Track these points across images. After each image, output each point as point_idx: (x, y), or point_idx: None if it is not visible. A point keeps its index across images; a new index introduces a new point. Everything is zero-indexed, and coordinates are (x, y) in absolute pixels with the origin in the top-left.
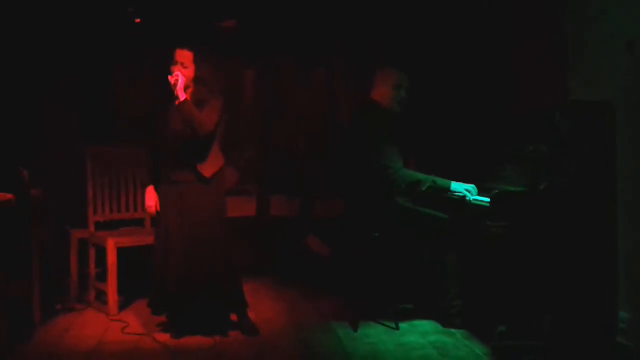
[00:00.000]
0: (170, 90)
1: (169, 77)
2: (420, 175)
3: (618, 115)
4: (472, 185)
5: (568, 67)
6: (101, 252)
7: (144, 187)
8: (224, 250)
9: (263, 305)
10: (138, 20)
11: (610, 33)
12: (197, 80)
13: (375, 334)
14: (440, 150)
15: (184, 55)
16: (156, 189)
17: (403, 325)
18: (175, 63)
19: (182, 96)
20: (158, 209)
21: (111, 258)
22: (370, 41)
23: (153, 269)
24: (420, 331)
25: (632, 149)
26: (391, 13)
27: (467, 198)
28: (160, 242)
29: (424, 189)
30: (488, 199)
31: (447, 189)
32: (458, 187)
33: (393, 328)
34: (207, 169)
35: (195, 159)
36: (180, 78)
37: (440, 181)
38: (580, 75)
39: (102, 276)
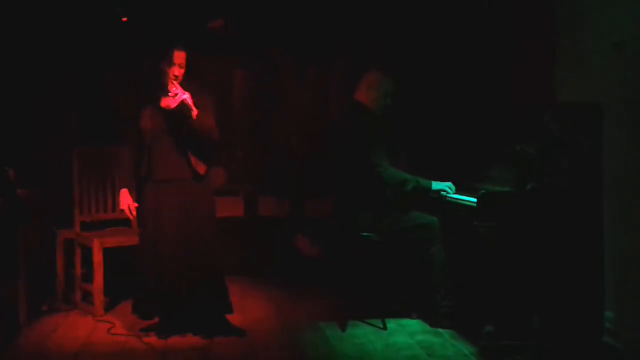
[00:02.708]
0: (153, 89)
1: (175, 94)
2: (406, 175)
3: (610, 115)
4: (450, 183)
5: (558, 66)
6: (87, 253)
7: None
8: (216, 248)
9: (251, 306)
10: (125, 19)
11: (601, 33)
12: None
13: (363, 334)
14: (430, 150)
15: (182, 56)
16: (138, 190)
17: (391, 325)
18: (173, 64)
19: (195, 111)
20: (133, 211)
21: (97, 258)
22: (369, 41)
23: (141, 272)
24: (408, 331)
25: (623, 149)
26: (391, 13)
27: (446, 195)
28: (149, 242)
29: (409, 188)
30: (475, 199)
31: (429, 189)
32: (438, 186)
33: (381, 328)
34: (203, 166)
35: (192, 157)
36: (187, 95)
37: (423, 181)
38: (571, 75)
39: (88, 277)
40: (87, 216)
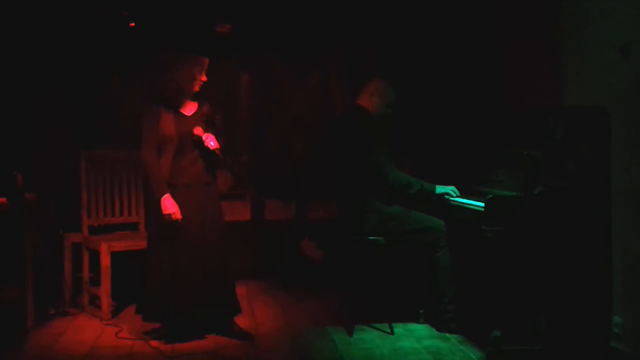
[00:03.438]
0: (171, 94)
1: (209, 141)
2: (411, 179)
3: (618, 117)
4: (453, 187)
5: (563, 69)
6: (95, 257)
7: (138, 191)
8: (227, 251)
9: (258, 310)
10: (133, 24)
11: (605, 36)
12: None
13: (370, 338)
14: (435, 153)
15: (207, 63)
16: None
17: (398, 330)
18: (204, 71)
19: (221, 157)
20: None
21: (105, 262)
22: (371, 45)
23: (148, 274)
24: (415, 336)
25: (631, 152)
26: (385, 13)
27: (449, 199)
28: (164, 246)
29: (413, 192)
30: (482, 204)
31: (433, 192)
32: (442, 189)
33: (388, 333)
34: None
35: (211, 162)
36: (217, 146)
37: (427, 185)
38: (575, 77)
39: (96, 281)
40: (95, 220)
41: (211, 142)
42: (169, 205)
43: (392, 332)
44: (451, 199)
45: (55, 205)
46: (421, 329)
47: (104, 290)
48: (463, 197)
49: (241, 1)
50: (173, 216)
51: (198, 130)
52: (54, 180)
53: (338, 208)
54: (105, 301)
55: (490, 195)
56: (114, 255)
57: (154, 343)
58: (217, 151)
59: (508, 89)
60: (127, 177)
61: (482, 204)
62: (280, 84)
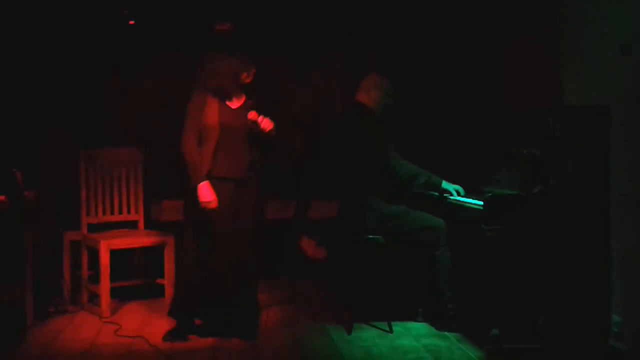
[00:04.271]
0: (213, 88)
1: (265, 123)
2: (419, 169)
3: (619, 115)
4: (459, 186)
5: (563, 69)
6: (94, 255)
7: (137, 189)
8: (251, 253)
9: None
10: (132, 22)
11: (605, 36)
12: None
13: (369, 337)
14: (434, 152)
15: None
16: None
17: (397, 328)
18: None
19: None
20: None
21: (104, 260)
22: (371, 43)
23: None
24: (414, 334)
25: (630, 150)
26: (384, 13)
27: (452, 197)
28: (190, 240)
29: (421, 182)
30: (481, 202)
31: (439, 186)
32: (448, 186)
33: (387, 331)
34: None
35: (257, 157)
36: (271, 126)
37: (434, 178)
38: (575, 77)
39: (95, 278)
40: (94, 218)
41: (267, 123)
42: (206, 192)
43: (391, 331)
44: (451, 197)
45: (56, 205)
46: (420, 328)
47: (103, 288)
48: (463, 196)
49: (241, 1)
50: (211, 204)
51: (252, 114)
52: (54, 179)
53: (339, 207)
54: (104, 299)
55: (490, 194)
56: (113, 252)
57: (153, 341)
58: (273, 132)
59: (508, 89)
60: (126, 175)
61: (482, 203)
62: (280, 84)
